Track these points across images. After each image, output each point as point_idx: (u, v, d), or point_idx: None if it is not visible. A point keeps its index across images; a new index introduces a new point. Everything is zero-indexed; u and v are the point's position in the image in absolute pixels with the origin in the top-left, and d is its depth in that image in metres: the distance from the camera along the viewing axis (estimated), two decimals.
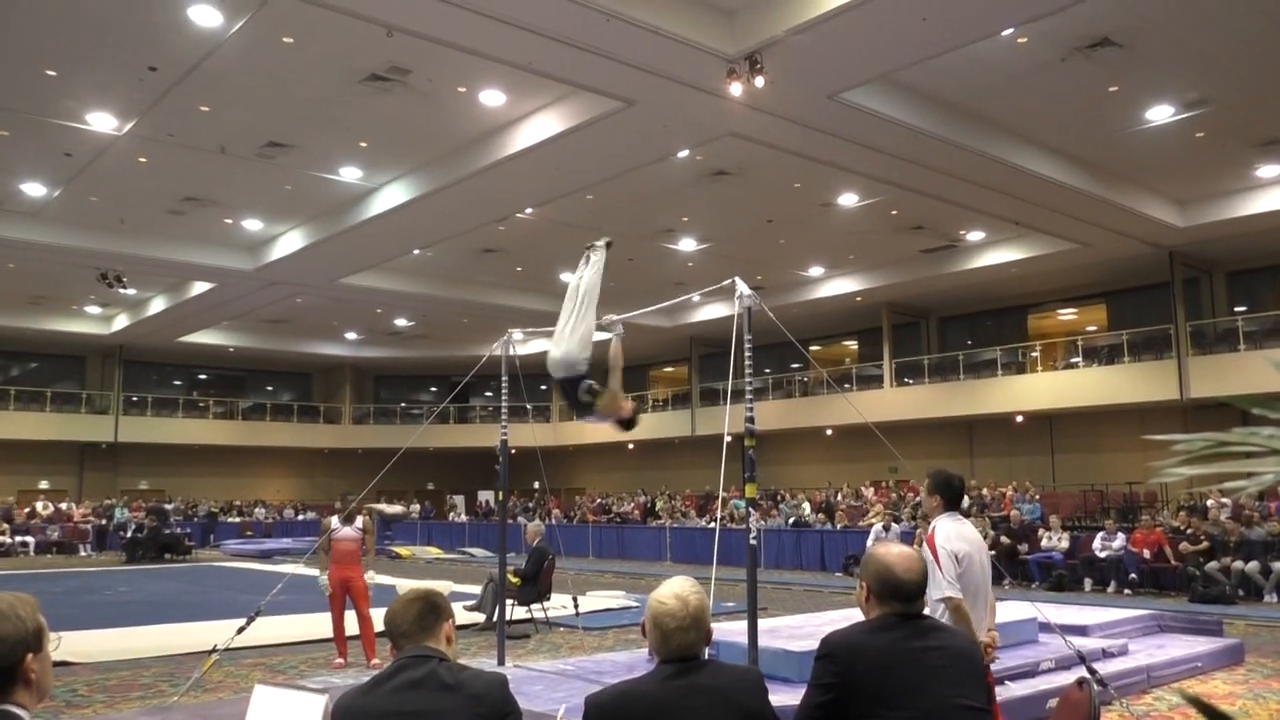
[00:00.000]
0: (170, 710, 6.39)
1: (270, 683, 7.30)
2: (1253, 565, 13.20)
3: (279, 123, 13.50)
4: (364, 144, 14.35)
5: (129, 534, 23.10)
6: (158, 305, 24.16)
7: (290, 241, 18.64)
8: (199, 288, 22.00)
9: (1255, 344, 18.41)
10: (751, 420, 5.18)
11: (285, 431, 32.41)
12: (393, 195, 15.90)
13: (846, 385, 24.43)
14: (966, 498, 20.05)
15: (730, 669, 2.48)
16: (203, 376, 33.19)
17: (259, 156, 14.58)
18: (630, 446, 31.84)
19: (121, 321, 26.41)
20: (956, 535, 4.31)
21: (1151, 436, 1.15)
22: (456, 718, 2.22)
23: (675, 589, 2.43)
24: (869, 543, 13.38)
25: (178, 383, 32.69)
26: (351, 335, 30.49)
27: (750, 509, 5.10)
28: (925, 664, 2.46)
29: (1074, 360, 21.63)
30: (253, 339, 29.01)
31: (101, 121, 13.20)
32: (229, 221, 18.03)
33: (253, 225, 18.33)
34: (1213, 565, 13.45)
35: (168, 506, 26.89)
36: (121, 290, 21.65)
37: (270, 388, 34.45)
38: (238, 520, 29.28)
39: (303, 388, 34.88)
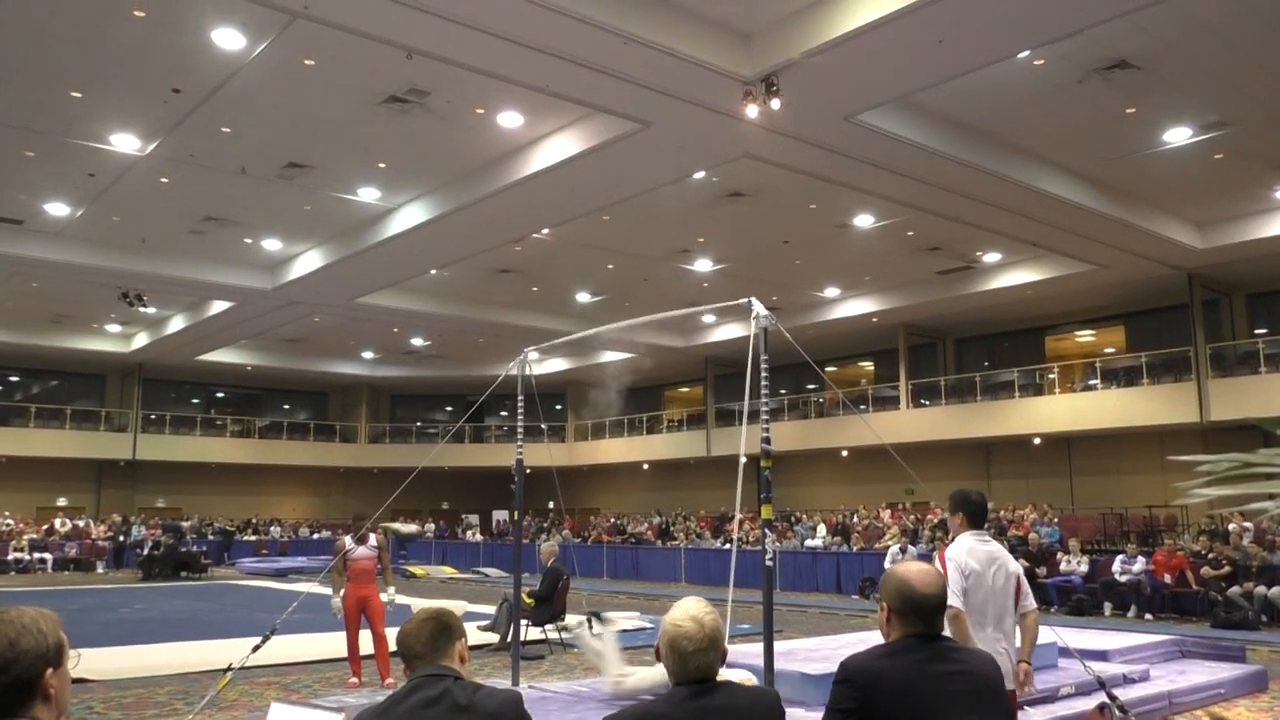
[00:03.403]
0: None
1: (286, 700, 7.27)
2: (1276, 590, 13.04)
3: (299, 143, 13.64)
4: (383, 165, 14.46)
5: (145, 552, 23.19)
6: (177, 324, 24.35)
7: (309, 261, 18.78)
8: (218, 306, 22.17)
9: (1276, 366, 18.26)
10: (768, 441, 5.16)
11: (301, 450, 32.53)
12: (411, 215, 16.01)
13: (862, 406, 24.33)
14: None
15: (747, 691, 2.46)
16: (220, 395, 33.38)
17: (279, 177, 14.72)
18: (645, 467, 31.80)
19: (141, 340, 26.62)
20: (969, 552, 4.29)
21: (1176, 457, 1.14)
22: None
23: (690, 611, 2.40)
24: (886, 564, 13.29)
25: (196, 401, 32.89)
26: (368, 354, 30.62)
27: (766, 530, 5.08)
28: (947, 689, 2.43)
29: (1092, 382, 21.48)
30: (270, 358, 29.18)
31: (125, 143, 13.37)
32: (249, 241, 18.19)
33: (272, 245, 18.48)
34: (1235, 590, 13.29)
35: (183, 524, 27.00)
36: (141, 309, 21.84)
37: (287, 406, 34.61)
38: (253, 539, 29.36)
39: (319, 407, 35.03)
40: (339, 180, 15.13)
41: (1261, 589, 13.14)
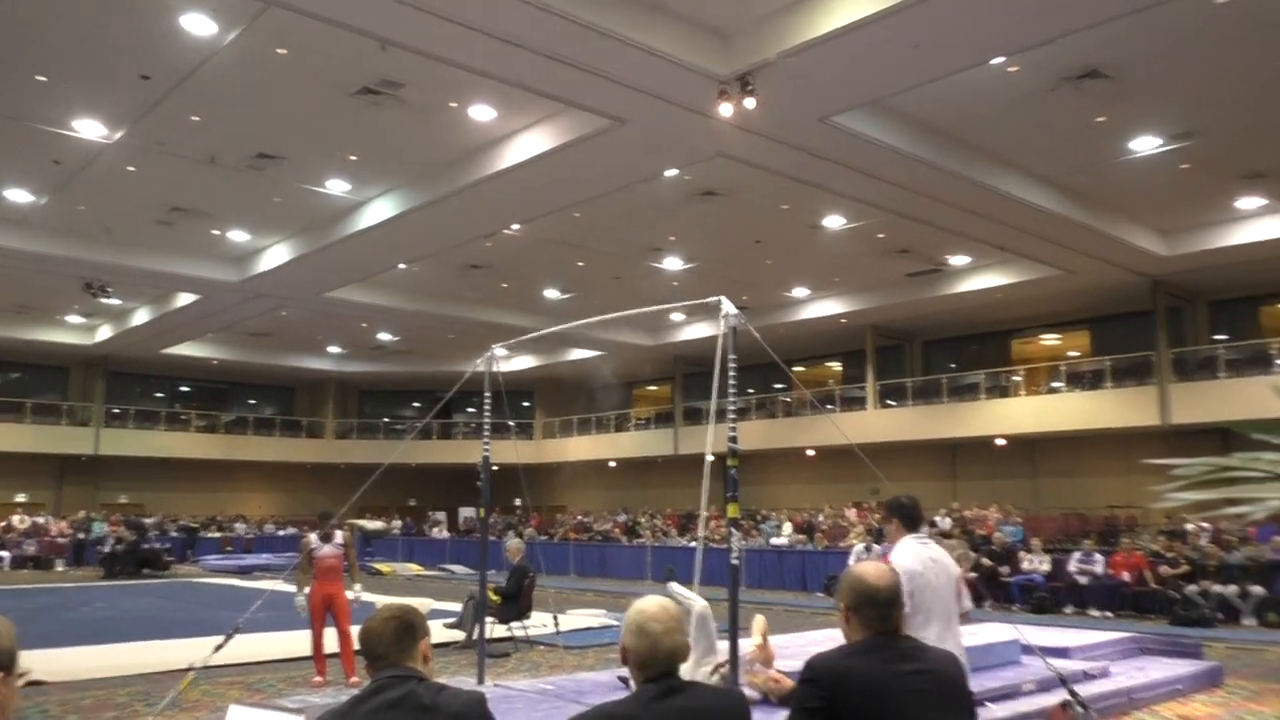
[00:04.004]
0: None
1: (246, 702, 7.20)
2: (1231, 589, 13.28)
3: (270, 134, 13.49)
4: (354, 157, 14.34)
5: (107, 549, 22.84)
6: (142, 316, 24.00)
7: (277, 254, 18.59)
8: (184, 299, 21.88)
9: (1236, 371, 18.57)
10: (735, 440, 5.17)
11: (267, 446, 32.19)
12: (380, 209, 15.89)
13: (830, 406, 24.46)
14: (949, 519, 19.95)
15: (713, 691, 2.47)
16: (186, 389, 32.96)
17: (249, 168, 14.55)
18: (613, 465, 31.80)
19: (105, 332, 26.22)
20: (913, 556, 4.39)
21: (1150, 461, 1.15)
22: None
23: (653, 600, 2.46)
24: (850, 562, 13.37)
25: (160, 395, 32.45)
26: (335, 349, 30.37)
27: (733, 529, 5.09)
28: (910, 688, 2.46)
29: (1057, 385, 21.73)
30: (237, 352, 28.85)
31: (91, 129, 13.15)
32: (216, 233, 17.97)
33: (240, 237, 18.27)
34: (1192, 588, 13.53)
35: (146, 521, 26.63)
36: (106, 300, 21.51)
37: (253, 401, 34.25)
38: (218, 536, 29.02)
39: (286, 402, 34.69)
40: (309, 172, 14.98)
41: (1218, 588, 13.38)
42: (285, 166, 14.56)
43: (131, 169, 14.59)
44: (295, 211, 16.78)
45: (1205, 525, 15.77)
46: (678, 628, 2.40)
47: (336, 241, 17.04)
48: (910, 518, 4.57)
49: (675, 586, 6.17)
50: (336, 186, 15.51)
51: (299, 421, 33.68)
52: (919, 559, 4.38)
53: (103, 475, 30.16)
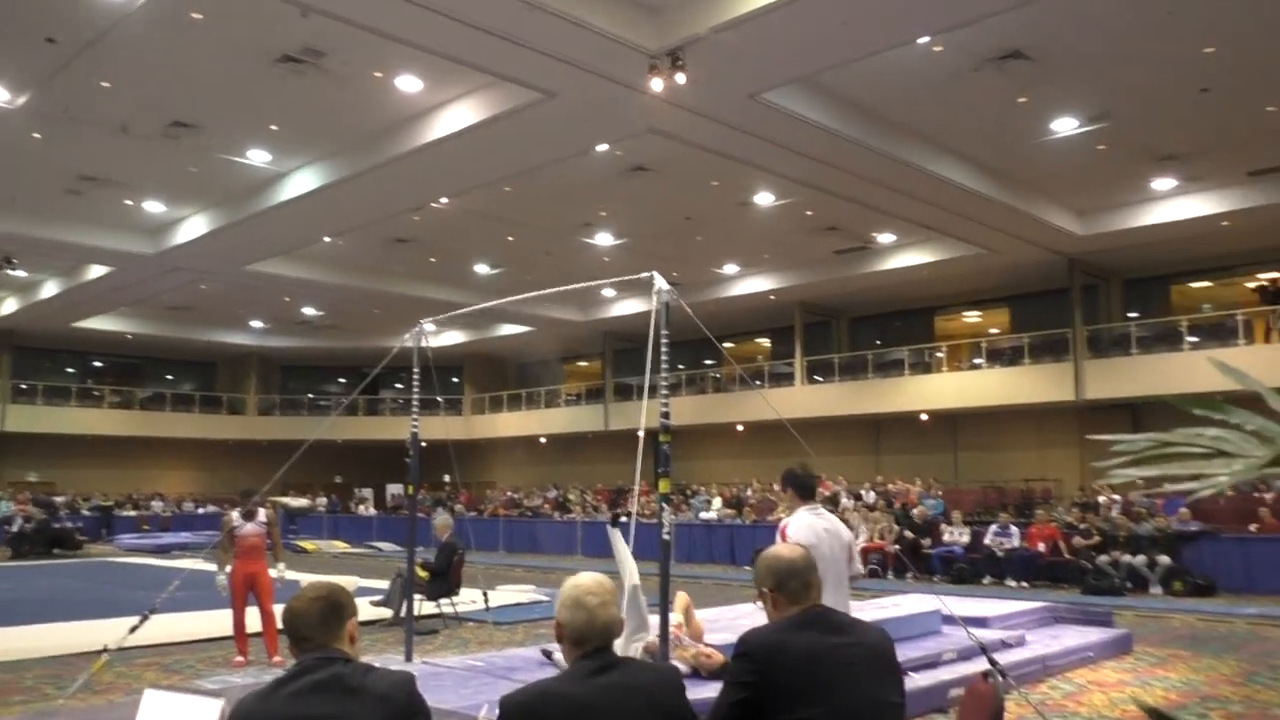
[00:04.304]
0: (55, 714, 6.11)
1: (162, 686, 7.03)
2: (1140, 559, 13.80)
3: (185, 102, 13.03)
4: (275, 127, 13.95)
5: (15, 529, 22.05)
6: (51, 289, 23.12)
7: (194, 226, 18.02)
8: (96, 271, 21.12)
9: (1146, 349, 19.21)
10: (667, 416, 5.17)
11: (186, 422, 31.34)
12: (303, 181, 15.50)
13: (758, 382, 24.71)
14: (873, 492, 20.29)
15: (649, 667, 2.47)
16: (99, 364, 31.90)
17: (163, 136, 14.04)
18: (543, 441, 31.72)
19: (11, 305, 25.20)
20: (808, 527, 4.63)
21: (1095, 436, 1.16)
22: None
23: (587, 575, 2.46)
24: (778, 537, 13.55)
25: (71, 370, 31.38)
26: (258, 324, 29.66)
27: (664, 505, 5.10)
28: (842, 661, 2.49)
29: (977, 361, 22.25)
30: (153, 326, 27.98)
31: None
32: (129, 203, 17.34)
33: (155, 208, 17.66)
34: (1103, 559, 14.02)
35: (57, 500, 25.78)
36: (11, 272, 20.65)
37: (171, 377, 33.30)
38: (134, 514, 28.24)
39: (205, 377, 33.81)
40: (227, 142, 14.53)
41: (1128, 558, 13.89)
42: (202, 136, 14.09)
43: (37, 136, 13.96)
44: (214, 182, 16.28)
45: (1116, 498, 16.34)
46: (613, 600, 2.40)
47: (258, 214, 16.59)
48: (805, 487, 4.82)
49: (620, 539, 6.12)
50: (257, 157, 15.08)
51: (220, 397, 32.84)
52: (813, 531, 4.59)
53: (9, 453, 29.03)
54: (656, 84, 10.81)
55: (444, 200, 16.82)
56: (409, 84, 12.39)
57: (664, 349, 5.27)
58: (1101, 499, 16.61)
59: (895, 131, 13.76)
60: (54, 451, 29.41)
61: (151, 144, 14.32)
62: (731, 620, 7.51)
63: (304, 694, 2.17)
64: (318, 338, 30.66)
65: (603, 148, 14.24)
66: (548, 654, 6.87)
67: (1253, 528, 14.23)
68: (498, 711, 2.67)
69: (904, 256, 20.39)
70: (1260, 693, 7.10)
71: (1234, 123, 13.54)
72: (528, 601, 12.65)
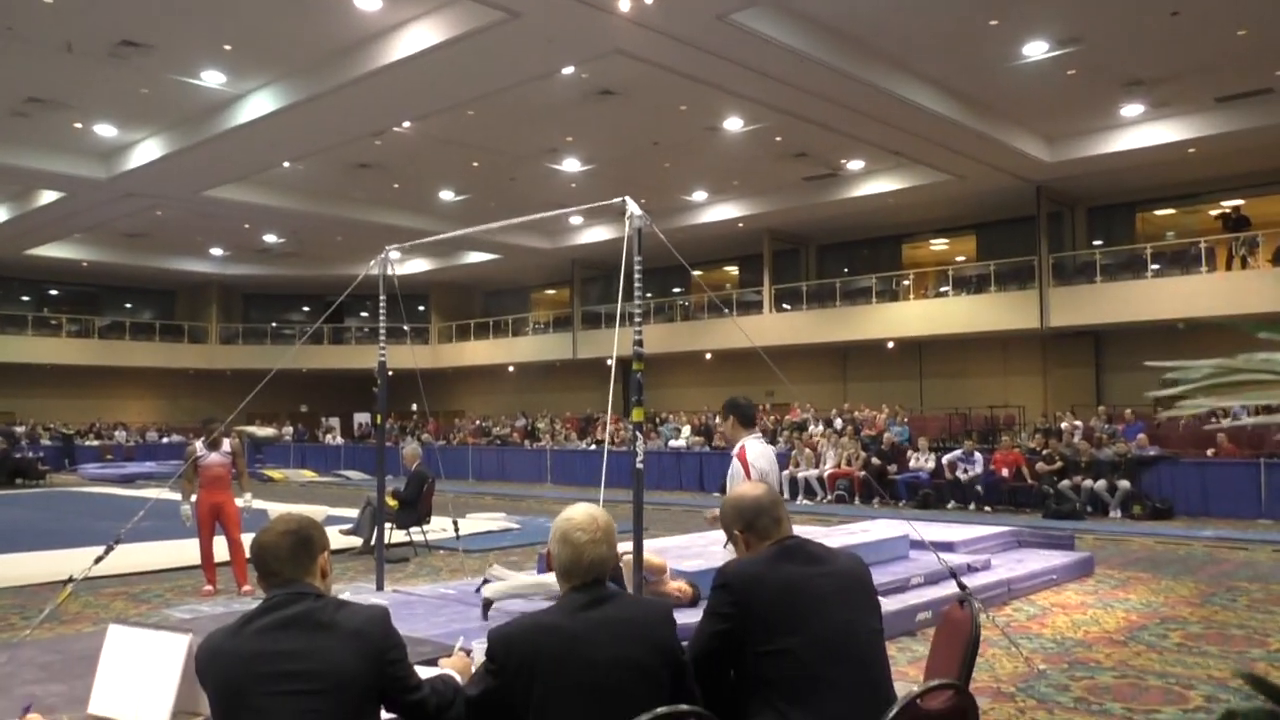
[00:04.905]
0: (20, 645, 6.03)
1: (130, 620, 6.98)
2: (1100, 484, 14.08)
3: (134, 20, 12.51)
4: (229, 47, 13.46)
5: None
6: (0, 215, 22.44)
7: (148, 150, 17.48)
8: (47, 197, 20.49)
9: (1111, 276, 19.37)
10: (640, 343, 5.10)
11: (147, 351, 30.88)
12: (260, 104, 15.03)
13: (726, 311, 24.70)
14: (840, 419, 20.48)
15: (639, 601, 2.48)
16: (54, 293, 31.24)
17: (112, 56, 13.50)
18: (511, 370, 31.65)
19: None
20: (760, 453, 5.06)
21: (1153, 363, 1.09)
22: (336, 656, 2.10)
23: (582, 508, 2.44)
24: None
25: (26, 299, 30.71)
26: (217, 251, 29.07)
27: (637, 433, 5.06)
28: (819, 590, 2.49)
29: (944, 289, 22.35)
30: (109, 253, 27.37)
31: None
32: (79, 126, 16.75)
33: (106, 131, 17.07)
34: (1065, 484, 14.29)
35: (17, 429, 25.43)
36: None
37: (129, 305, 32.69)
38: (97, 444, 27.95)
39: (165, 306, 33.23)
40: (180, 62, 14.00)
41: (1088, 482, 14.16)
42: (153, 56, 13.57)
43: None
44: (166, 104, 15.75)
45: (1078, 424, 16.61)
46: (605, 539, 2.37)
47: (213, 137, 16.11)
48: (746, 416, 5.18)
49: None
50: (211, 78, 14.57)
51: (180, 326, 32.33)
52: (764, 456, 5.05)
53: None
54: (623, 3, 10.52)
55: (406, 124, 16.43)
56: (368, 2, 11.96)
57: (637, 275, 5.18)
58: (1064, 425, 16.88)
59: (865, 55, 13.55)
60: (12, 381, 28.90)
61: (100, 64, 13.78)
62: (704, 547, 7.56)
63: (274, 629, 2.12)
64: (280, 265, 30.15)
65: (568, 70, 13.91)
66: (485, 581, 6.87)
67: (1210, 452, 14.53)
68: (474, 643, 2.64)
69: (873, 183, 20.28)
70: (1218, 613, 7.29)
71: (1204, 47, 13.46)
72: (498, 529, 12.70)
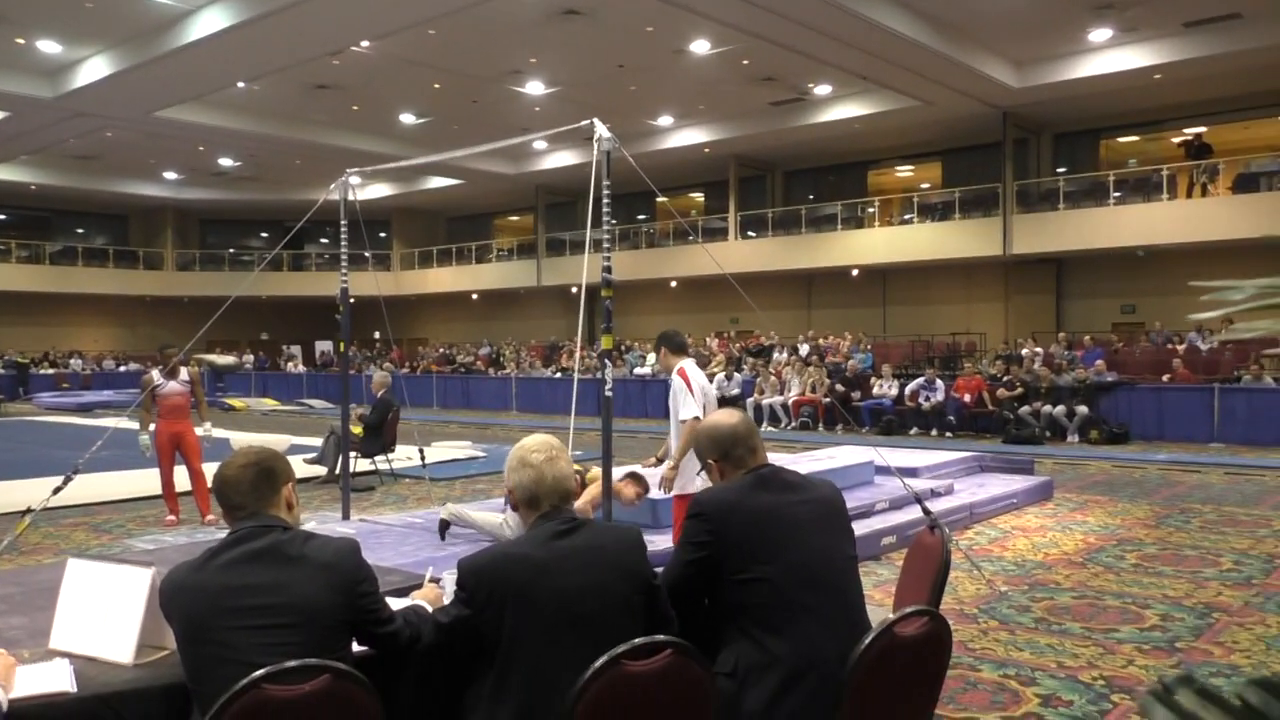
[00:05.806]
0: None
1: (89, 553, 6.90)
2: (1060, 409, 14.30)
3: None
4: None
5: None
6: None
7: (95, 68, 16.83)
8: None
9: (1074, 203, 19.45)
10: (609, 270, 5.03)
11: (101, 278, 30.18)
12: (212, 20, 14.47)
13: (691, 238, 24.55)
14: (806, 345, 20.56)
15: (610, 529, 2.45)
16: (2, 217, 30.33)
17: None
18: (475, 297, 31.39)
19: None
20: (698, 374, 5.34)
21: (1196, 283, 1.05)
22: (305, 589, 2.06)
23: (531, 437, 2.45)
24: (712, 391, 13.68)
25: None
26: (171, 175, 28.31)
27: (606, 361, 5.02)
28: (794, 517, 2.48)
29: (908, 217, 22.34)
30: (58, 176, 26.55)
31: None
32: (21, 42, 16.07)
33: (50, 48, 16.40)
34: (1025, 409, 14.50)
35: None
36: None
37: (81, 230, 31.86)
38: (52, 372, 27.47)
39: (118, 231, 32.42)
40: None
41: (1048, 408, 14.38)
42: None
43: None
44: (113, 19, 15.13)
45: (1038, 350, 16.79)
46: (560, 456, 2.36)
47: (164, 55, 15.53)
48: (679, 345, 5.45)
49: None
50: None
51: (135, 252, 31.61)
52: (702, 375, 5.40)
53: None
54: None
55: (365, 44, 15.93)
56: None
57: (606, 201, 5.07)
58: (1025, 351, 17.07)
59: None
60: None
61: None
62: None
63: (240, 563, 2.07)
64: (237, 190, 29.46)
65: None
66: (445, 525, 6.55)
67: (1165, 378, 14.79)
68: (445, 574, 2.61)
69: (840, 108, 20.08)
70: (1172, 534, 7.47)
71: None
72: (465, 458, 12.69)
